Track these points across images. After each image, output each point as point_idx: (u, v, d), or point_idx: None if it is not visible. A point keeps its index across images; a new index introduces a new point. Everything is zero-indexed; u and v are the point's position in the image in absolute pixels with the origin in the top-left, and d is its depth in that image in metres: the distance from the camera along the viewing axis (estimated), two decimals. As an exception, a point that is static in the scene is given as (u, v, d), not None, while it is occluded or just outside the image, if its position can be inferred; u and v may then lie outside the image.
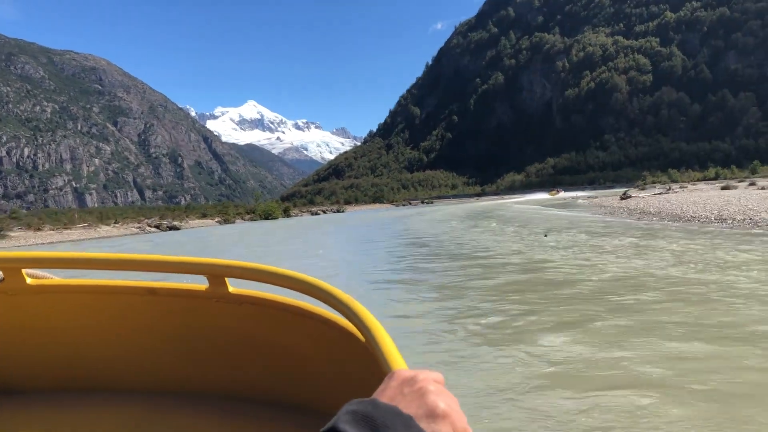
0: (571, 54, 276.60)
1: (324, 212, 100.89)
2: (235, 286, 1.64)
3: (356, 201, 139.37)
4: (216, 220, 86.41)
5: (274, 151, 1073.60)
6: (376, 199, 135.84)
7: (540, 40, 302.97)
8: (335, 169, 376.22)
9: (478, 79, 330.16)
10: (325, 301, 1.39)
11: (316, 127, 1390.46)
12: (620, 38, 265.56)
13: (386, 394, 0.71)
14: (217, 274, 1.59)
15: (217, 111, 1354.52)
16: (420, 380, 0.71)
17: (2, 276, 1.65)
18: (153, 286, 1.68)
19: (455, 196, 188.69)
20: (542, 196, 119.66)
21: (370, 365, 1.24)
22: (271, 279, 1.49)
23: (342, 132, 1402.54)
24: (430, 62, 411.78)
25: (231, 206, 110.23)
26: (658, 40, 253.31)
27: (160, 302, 1.70)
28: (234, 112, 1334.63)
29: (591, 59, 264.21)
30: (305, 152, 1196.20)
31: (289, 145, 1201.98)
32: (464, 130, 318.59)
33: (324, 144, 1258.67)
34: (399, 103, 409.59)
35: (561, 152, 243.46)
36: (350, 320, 1.32)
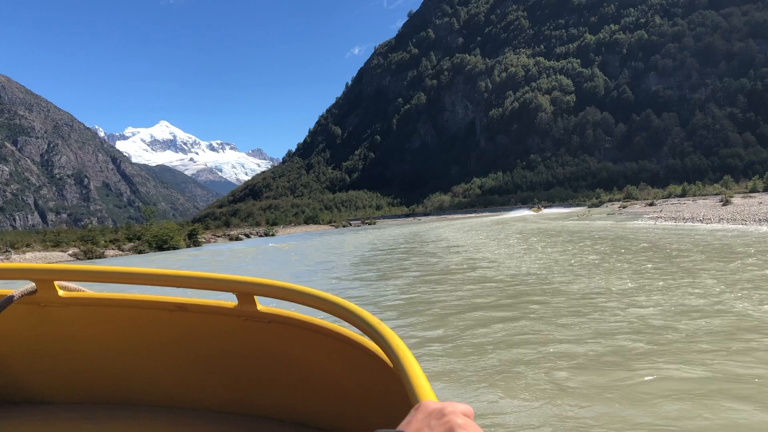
0: (494, 74, 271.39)
1: (247, 236, 74.58)
2: (263, 305, 1.61)
3: (281, 222, 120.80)
4: (70, 252, 48.58)
5: (187, 173, 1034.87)
6: (309, 220, 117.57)
7: (461, 61, 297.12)
8: (252, 190, 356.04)
9: (400, 99, 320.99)
10: (354, 324, 1.36)
11: (231, 148, 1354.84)
12: (542, 59, 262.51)
13: (412, 426, 0.68)
14: (246, 291, 1.57)
15: (128, 131, 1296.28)
16: (448, 413, 0.68)
17: (35, 287, 1.65)
18: (182, 301, 1.66)
19: (398, 216, 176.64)
20: (525, 212, 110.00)
21: (396, 391, 1.22)
22: (300, 299, 1.46)
23: (258, 153, 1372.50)
24: (350, 82, 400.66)
25: (100, 231, 63.16)
26: (579, 61, 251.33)
27: (189, 318, 1.68)
28: (145, 133, 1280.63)
29: (513, 79, 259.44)
30: (220, 173, 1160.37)
31: (203, 167, 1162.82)
32: (387, 150, 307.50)
33: (239, 165, 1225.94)
34: (319, 123, 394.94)
35: (487, 172, 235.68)
36: (379, 345, 1.28)
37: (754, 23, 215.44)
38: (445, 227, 43.19)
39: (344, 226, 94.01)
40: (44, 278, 1.63)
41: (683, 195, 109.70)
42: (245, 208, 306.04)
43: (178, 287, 1.58)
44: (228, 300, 1.64)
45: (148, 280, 1.58)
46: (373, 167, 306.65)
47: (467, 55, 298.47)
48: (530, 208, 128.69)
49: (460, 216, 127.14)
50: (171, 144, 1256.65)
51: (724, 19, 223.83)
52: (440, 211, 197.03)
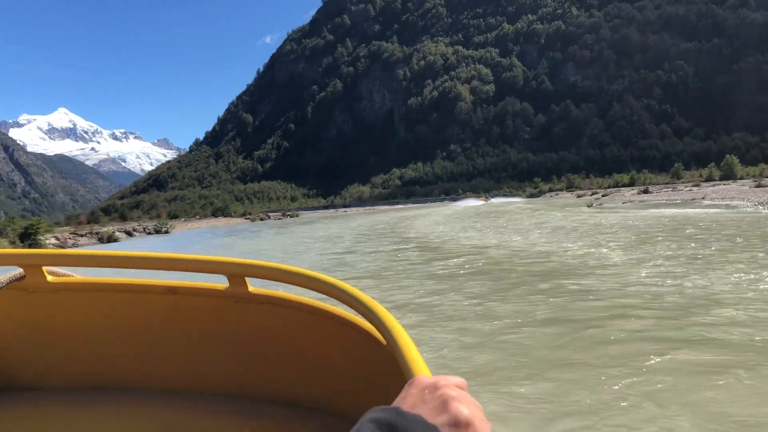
0: (412, 63, 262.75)
1: (130, 234, 56.35)
2: (255, 286, 1.60)
3: (185, 214, 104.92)
4: None
5: (88, 163, 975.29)
6: (219, 212, 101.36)
7: (378, 48, 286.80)
8: (156, 180, 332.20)
9: (315, 87, 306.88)
10: (346, 303, 1.35)
11: (136, 138, 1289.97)
12: (460, 48, 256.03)
13: (407, 402, 0.68)
14: (237, 273, 1.56)
15: (22, 118, 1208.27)
16: (442, 386, 0.68)
17: (23, 273, 1.64)
18: (173, 284, 1.65)
19: (317, 208, 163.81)
20: (473, 202, 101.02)
21: (391, 369, 1.20)
22: (291, 279, 1.46)
23: (164, 143, 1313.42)
24: (261, 69, 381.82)
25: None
26: (497, 51, 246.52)
27: (180, 301, 1.67)
28: (42, 120, 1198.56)
29: (432, 68, 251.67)
30: (123, 164, 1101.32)
31: (105, 157, 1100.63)
32: (302, 139, 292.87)
33: (144, 155, 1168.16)
34: (229, 110, 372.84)
35: (407, 163, 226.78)
36: (372, 323, 1.28)
37: (666, 17, 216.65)
38: (428, 222, 33.19)
39: (261, 220, 77.17)
40: (32, 263, 1.63)
41: (632, 184, 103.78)
42: (149, 199, 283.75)
43: (168, 270, 1.57)
44: (219, 282, 1.63)
45: (138, 264, 1.58)
46: (287, 157, 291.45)
47: (384, 42, 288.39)
48: (479, 198, 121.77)
49: (388, 208, 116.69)
50: (71, 132, 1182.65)
51: (639, 11, 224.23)
52: (361, 202, 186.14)
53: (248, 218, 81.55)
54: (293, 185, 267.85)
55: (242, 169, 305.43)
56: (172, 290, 1.64)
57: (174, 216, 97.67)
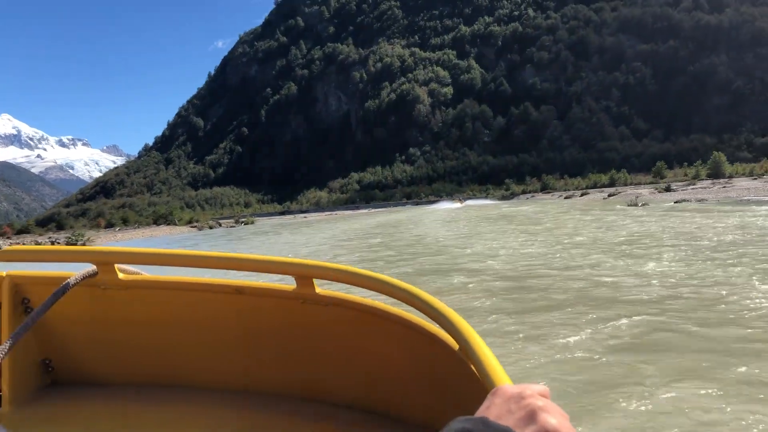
0: (368, 65, 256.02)
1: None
2: (322, 288, 1.58)
3: (125, 223, 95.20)
4: None
5: (33, 170, 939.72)
6: (161, 220, 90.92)
7: (333, 50, 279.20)
8: (104, 187, 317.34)
9: (268, 89, 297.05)
10: (416, 307, 1.32)
11: (84, 144, 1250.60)
12: (417, 50, 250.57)
13: (492, 412, 0.65)
14: (304, 274, 1.54)
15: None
16: (527, 396, 0.65)
17: (96, 270, 1.66)
18: (240, 284, 1.64)
19: (273, 214, 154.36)
20: (450, 205, 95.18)
21: (463, 375, 1.17)
22: (359, 282, 1.44)
23: (113, 149, 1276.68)
24: (213, 72, 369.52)
25: None
26: (455, 53, 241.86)
27: (247, 301, 1.66)
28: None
29: (389, 70, 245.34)
30: (71, 171, 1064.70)
31: (52, 164, 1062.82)
32: (256, 143, 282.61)
33: (93, 162, 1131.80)
34: (179, 115, 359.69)
35: (365, 167, 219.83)
36: (445, 328, 1.24)
37: (623, 19, 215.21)
38: (441, 228, 26.81)
39: (210, 228, 66.93)
40: (105, 261, 1.65)
41: (612, 184, 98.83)
42: (96, 207, 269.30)
43: (236, 270, 1.58)
44: (286, 283, 1.62)
45: (207, 263, 1.58)
46: (240, 162, 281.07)
47: (339, 44, 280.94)
48: (455, 201, 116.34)
49: (351, 213, 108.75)
50: (15, 139, 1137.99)
51: (595, 13, 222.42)
52: (319, 208, 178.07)
53: (195, 226, 70.90)
54: (247, 191, 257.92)
55: (193, 175, 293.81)
56: (239, 290, 1.64)
57: (109, 225, 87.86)
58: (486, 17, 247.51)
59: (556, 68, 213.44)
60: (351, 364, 1.64)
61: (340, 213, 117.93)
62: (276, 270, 1.53)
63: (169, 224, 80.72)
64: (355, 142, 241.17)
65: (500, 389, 0.69)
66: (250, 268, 1.55)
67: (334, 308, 1.58)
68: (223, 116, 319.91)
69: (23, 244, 49.44)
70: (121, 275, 1.68)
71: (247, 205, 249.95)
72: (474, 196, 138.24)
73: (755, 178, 54.02)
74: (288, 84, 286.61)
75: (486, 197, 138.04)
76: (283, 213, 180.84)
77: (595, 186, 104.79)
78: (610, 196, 48.91)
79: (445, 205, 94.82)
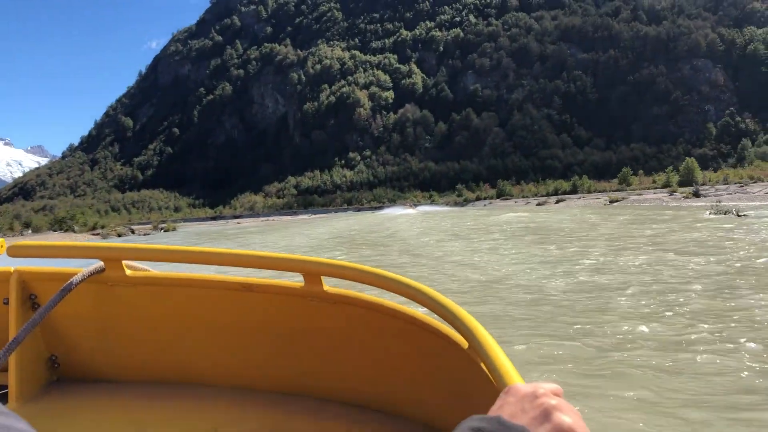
0: (307, 66, 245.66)
1: None
2: (331, 285, 1.57)
3: (44, 226, 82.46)
4: None
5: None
6: (57, 225, 77.12)
7: (271, 51, 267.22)
8: (23, 189, 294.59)
9: (202, 89, 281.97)
10: (425, 305, 1.31)
11: (6, 144, 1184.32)
12: (358, 53, 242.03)
13: (506, 411, 0.64)
14: (313, 272, 1.52)
15: None
16: (541, 395, 0.64)
17: (104, 266, 1.64)
18: (249, 281, 1.62)
19: (204, 219, 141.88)
20: (401, 211, 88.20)
21: (472, 374, 1.16)
22: (368, 279, 1.42)
23: (39, 150, 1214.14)
24: (144, 71, 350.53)
25: None
26: (396, 57, 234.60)
27: (255, 299, 1.64)
28: None
29: (329, 72, 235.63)
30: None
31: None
32: (187, 145, 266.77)
33: (16, 163, 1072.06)
34: (107, 114, 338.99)
35: (303, 171, 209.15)
36: (455, 327, 1.22)
37: (563, 27, 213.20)
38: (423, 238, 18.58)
39: (120, 236, 56.57)
40: (112, 257, 1.63)
41: (574, 191, 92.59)
42: (12, 210, 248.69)
43: (244, 267, 1.55)
44: (294, 281, 1.60)
45: (214, 260, 1.56)
46: (170, 164, 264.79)
47: (277, 44, 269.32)
48: (404, 206, 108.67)
49: (290, 218, 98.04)
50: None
51: (536, 21, 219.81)
52: (254, 213, 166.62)
53: (97, 233, 56.76)
54: (177, 194, 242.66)
55: (120, 177, 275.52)
56: (248, 287, 1.62)
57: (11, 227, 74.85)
58: (428, 22, 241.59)
59: (498, 75, 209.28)
60: (359, 362, 1.62)
61: (277, 219, 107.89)
62: (284, 267, 1.52)
63: (66, 230, 67.14)
64: (292, 145, 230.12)
65: (513, 388, 0.68)
66: (258, 265, 1.54)
67: (342, 306, 1.56)
68: (154, 116, 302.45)
69: None
70: (128, 272, 1.66)
71: (177, 209, 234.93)
72: (420, 203, 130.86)
73: (743, 185, 48.24)
74: (222, 84, 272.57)
75: (432, 203, 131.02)
76: (214, 218, 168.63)
77: (556, 192, 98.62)
78: (612, 202, 41.70)
79: (398, 211, 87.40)
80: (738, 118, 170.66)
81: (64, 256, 1.63)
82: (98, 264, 1.64)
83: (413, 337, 1.45)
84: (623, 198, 41.71)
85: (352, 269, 1.45)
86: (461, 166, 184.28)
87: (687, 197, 37.52)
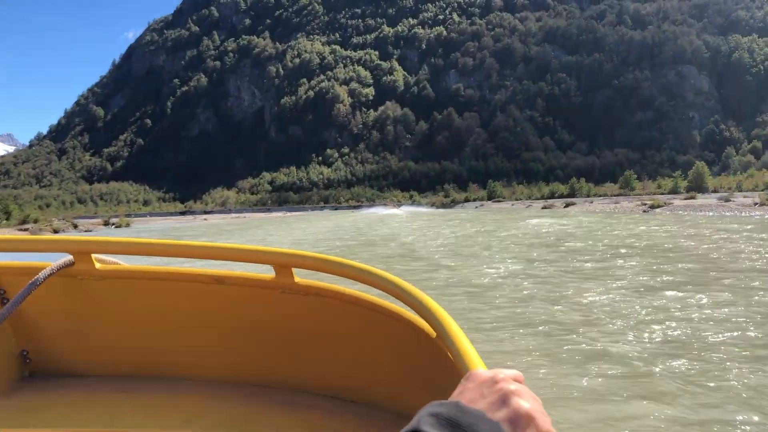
0: (285, 60, 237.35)
1: None
2: (301, 277, 1.56)
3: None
4: None
5: None
6: None
7: (249, 43, 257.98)
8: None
9: (176, 80, 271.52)
10: (394, 295, 1.31)
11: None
12: (338, 48, 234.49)
13: (465, 396, 0.64)
14: (283, 263, 1.52)
15: None
16: (500, 380, 0.64)
17: (73, 260, 1.62)
18: (220, 274, 1.61)
19: (172, 214, 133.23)
20: (386, 211, 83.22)
21: (440, 362, 1.17)
22: (338, 270, 1.41)
23: (8, 138, 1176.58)
24: (117, 60, 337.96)
25: None
26: (377, 53, 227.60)
27: (227, 291, 1.63)
28: None
29: (308, 67, 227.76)
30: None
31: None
32: (160, 137, 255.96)
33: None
34: (78, 103, 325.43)
35: (278, 167, 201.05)
36: (422, 315, 1.23)
37: (548, 29, 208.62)
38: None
39: (56, 232, 43.17)
40: (81, 250, 1.60)
41: (572, 195, 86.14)
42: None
43: (215, 259, 1.54)
44: (265, 273, 1.59)
45: (186, 253, 1.55)
46: (141, 156, 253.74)
47: (255, 37, 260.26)
48: (387, 206, 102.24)
49: (263, 216, 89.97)
50: None
51: (520, 22, 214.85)
52: (225, 209, 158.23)
53: (25, 229, 45.57)
54: (147, 187, 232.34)
55: (89, 168, 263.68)
56: (219, 280, 1.61)
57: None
58: (410, 19, 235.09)
59: (481, 75, 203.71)
60: (331, 353, 1.62)
61: (249, 216, 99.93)
62: (254, 259, 1.50)
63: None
64: (268, 139, 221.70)
65: (473, 374, 0.68)
66: (228, 257, 1.52)
67: (313, 297, 1.56)
68: (126, 107, 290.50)
69: None
70: (98, 265, 1.64)
71: (146, 202, 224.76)
72: (401, 203, 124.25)
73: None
74: (198, 75, 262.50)
75: (414, 203, 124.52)
76: (183, 213, 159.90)
77: (552, 195, 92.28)
78: (653, 207, 34.96)
79: (383, 211, 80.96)
80: (722, 126, 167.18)
81: (31, 249, 1.61)
82: (67, 258, 1.62)
83: (384, 328, 1.46)
84: (665, 204, 35.33)
85: (321, 260, 1.45)
86: (442, 166, 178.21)
87: (763, 204, 30.90)
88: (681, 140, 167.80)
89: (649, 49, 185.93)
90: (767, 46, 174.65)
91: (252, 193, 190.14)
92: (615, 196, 74.43)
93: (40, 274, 1.55)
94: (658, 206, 35.28)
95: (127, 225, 57.97)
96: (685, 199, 45.47)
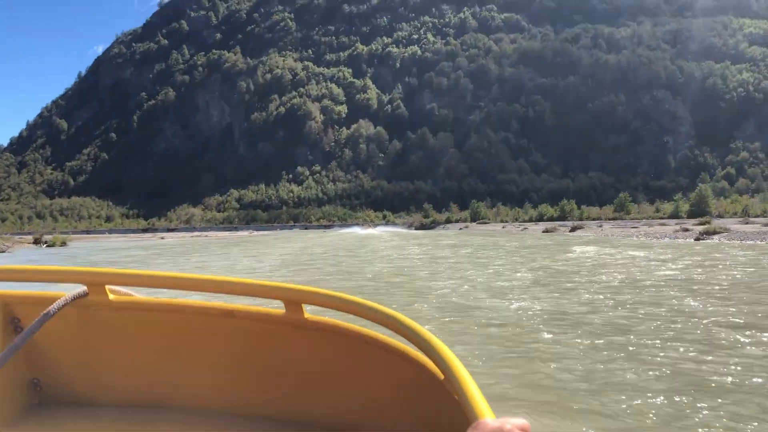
0: (257, 76, 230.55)
1: None
2: (312, 313, 1.57)
3: None
4: None
5: None
6: None
7: (219, 57, 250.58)
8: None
9: (143, 94, 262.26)
10: (403, 335, 1.30)
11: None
12: (311, 64, 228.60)
13: None
14: (294, 299, 1.52)
15: None
16: (507, 431, 0.64)
17: (87, 291, 1.62)
18: (231, 308, 1.62)
19: (134, 231, 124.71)
20: (361, 231, 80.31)
21: (447, 405, 1.16)
22: (349, 308, 1.41)
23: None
24: (84, 72, 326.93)
25: None
26: (350, 71, 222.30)
27: (237, 325, 1.64)
28: None
29: (280, 83, 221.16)
30: None
31: None
32: (125, 151, 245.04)
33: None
34: (41, 115, 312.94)
35: (247, 184, 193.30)
36: (430, 357, 1.22)
37: (522, 51, 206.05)
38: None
39: None
40: (96, 281, 1.61)
41: (563, 218, 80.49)
42: None
43: (226, 294, 1.54)
44: (276, 307, 1.59)
45: (198, 287, 1.56)
46: (105, 170, 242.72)
47: (226, 51, 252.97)
48: (363, 226, 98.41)
49: (228, 234, 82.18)
50: None
51: (495, 44, 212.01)
52: (190, 227, 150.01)
53: None
54: (110, 203, 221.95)
55: (50, 182, 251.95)
56: (230, 314, 1.62)
57: None
58: (384, 38, 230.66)
59: (455, 95, 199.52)
60: (338, 390, 1.61)
61: (212, 234, 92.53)
62: (266, 294, 1.51)
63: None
64: (237, 156, 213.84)
65: (480, 423, 0.67)
66: (240, 292, 1.52)
67: (322, 333, 1.55)
68: (91, 120, 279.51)
69: None
70: (111, 296, 1.64)
71: (109, 218, 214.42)
72: (374, 223, 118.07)
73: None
74: (165, 89, 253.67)
75: (388, 223, 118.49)
76: (146, 230, 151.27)
77: (541, 218, 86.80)
78: (707, 234, 29.07)
79: (361, 232, 75.48)
80: (697, 152, 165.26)
81: (46, 280, 1.62)
82: (82, 288, 1.62)
83: (392, 367, 1.45)
84: (721, 230, 29.73)
85: (332, 297, 1.44)
86: (416, 186, 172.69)
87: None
88: (656, 165, 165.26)
89: (624, 73, 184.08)
90: (740, 73, 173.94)
91: (219, 211, 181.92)
92: (611, 219, 69.24)
93: (54, 304, 1.56)
94: (715, 232, 29.48)
95: (63, 244, 50.03)
96: (741, 223, 40.01)
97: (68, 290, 1.62)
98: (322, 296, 1.45)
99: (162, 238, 77.71)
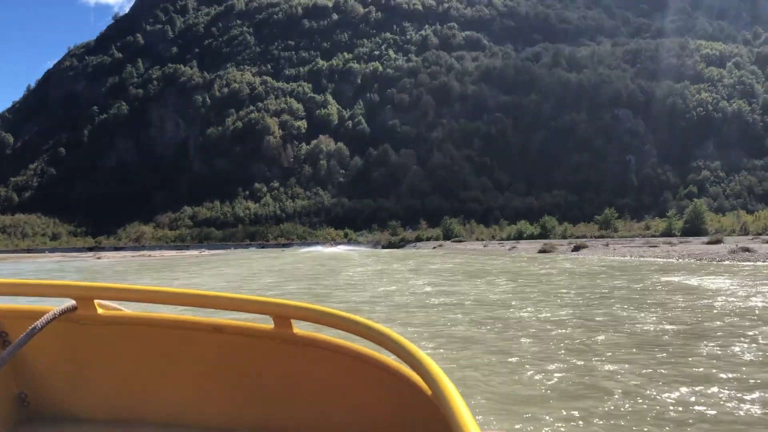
0: (213, 89, 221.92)
1: None
2: (300, 328, 1.55)
3: None
4: None
5: None
6: None
7: (175, 71, 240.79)
8: None
9: (95, 107, 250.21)
10: (392, 351, 1.29)
11: None
12: (269, 79, 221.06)
13: None
14: (282, 314, 1.51)
15: None
16: None
17: (75, 305, 1.61)
18: (220, 322, 1.61)
19: (78, 250, 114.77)
20: (325, 249, 76.44)
21: (435, 423, 1.17)
22: (338, 323, 1.40)
23: None
24: (33, 84, 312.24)
25: None
26: (310, 86, 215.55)
27: (225, 340, 1.63)
28: None
29: (237, 97, 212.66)
30: None
31: None
32: (74, 167, 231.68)
33: None
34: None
35: (201, 200, 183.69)
36: (418, 373, 1.22)
37: (484, 68, 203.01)
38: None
39: None
40: (84, 296, 1.60)
41: (544, 236, 74.79)
42: None
43: (215, 309, 1.53)
44: (264, 322, 1.57)
45: (187, 301, 1.54)
46: (53, 186, 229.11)
47: (182, 65, 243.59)
48: (324, 245, 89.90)
49: (175, 254, 74.02)
50: None
51: (457, 61, 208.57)
52: (139, 245, 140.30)
53: None
54: (57, 220, 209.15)
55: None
56: (218, 328, 1.61)
57: None
58: (345, 53, 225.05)
59: (417, 112, 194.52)
60: (327, 404, 1.60)
61: (157, 254, 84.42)
62: (254, 309, 1.50)
63: None
64: (192, 172, 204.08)
65: None
66: (228, 307, 1.51)
67: (311, 349, 1.54)
68: (39, 134, 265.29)
69: None
70: (100, 311, 1.62)
71: (55, 236, 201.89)
72: (335, 242, 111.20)
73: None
74: (118, 103, 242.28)
75: (350, 242, 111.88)
76: (92, 248, 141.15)
77: (520, 236, 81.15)
78: (743, 250, 23.30)
79: (325, 250, 68.76)
80: (659, 170, 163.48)
81: (34, 294, 1.60)
82: (70, 303, 1.60)
83: (380, 383, 1.45)
84: (754, 251, 24.24)
85: (321, 313, 1.44)
86: (377, 203, 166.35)
87: None
88: (619, 183, 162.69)
89: (586, 91, 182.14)
90: (698, 93, 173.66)
91: (171, 229, 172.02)
92: (597, 237, 64.05)
93: (42, 318, 1.54)
94: (749, 252, 23.70)
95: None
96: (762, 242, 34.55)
97: (57, 304, 1.61)
98: (310, 311, 1.46)
99: (98, 258, 69.43)
